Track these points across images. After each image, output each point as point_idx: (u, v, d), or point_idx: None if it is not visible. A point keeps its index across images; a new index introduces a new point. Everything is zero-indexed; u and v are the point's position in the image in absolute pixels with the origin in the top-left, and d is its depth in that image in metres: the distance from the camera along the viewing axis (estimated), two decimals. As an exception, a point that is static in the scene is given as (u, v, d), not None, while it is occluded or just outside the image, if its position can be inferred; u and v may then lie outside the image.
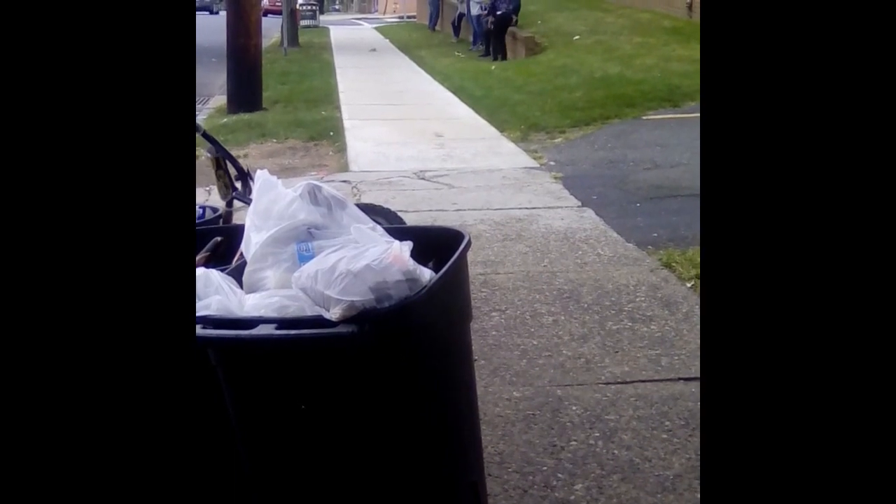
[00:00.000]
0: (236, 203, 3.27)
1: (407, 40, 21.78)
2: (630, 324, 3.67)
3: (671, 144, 7.63)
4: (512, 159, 7.45)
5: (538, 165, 7.15)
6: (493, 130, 8.89)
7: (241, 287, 1.89)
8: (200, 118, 9.79)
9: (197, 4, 25.42)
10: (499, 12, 16.02)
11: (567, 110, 9.47)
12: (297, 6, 23.06)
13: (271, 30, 20.93)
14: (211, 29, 12.64)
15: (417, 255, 1.72)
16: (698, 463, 2.52)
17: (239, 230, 2.04)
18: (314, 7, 30.57)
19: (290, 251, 1.85)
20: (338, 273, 1.63)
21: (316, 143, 8.39)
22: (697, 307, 3.76)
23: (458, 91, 11.81)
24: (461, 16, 20.09)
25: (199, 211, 3.06)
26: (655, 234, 5.03)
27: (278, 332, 1.63)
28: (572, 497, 2.44)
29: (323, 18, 35.31)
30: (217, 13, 9.98)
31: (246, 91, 10.37)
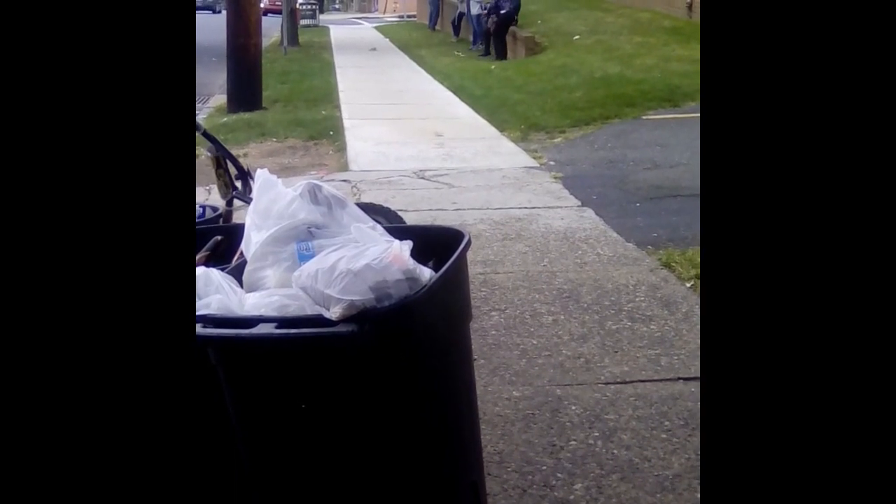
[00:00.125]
0: (236, 202, 3.27)
1: (407, 40, 21.78)
2: (629, 323, 3.67)
3: (671, 144, 7.63)
4: (512, 159, 7.45)
5: (538, 165, 7.15)
6: (492, 130, 8.89)
7: (242, 286, 1.89)
8: (200, 117, 9.78)
9: (199, 3, 25.49)
10: (502, 11, 16.01)
11: (567, 110, 9.47)
12: (297, 5, 23.04)
13: (271, 29, 20.93)
14: (211, 28, 12.65)
15: (417, 255, 1.72)
16: (698, 463, 2.53)
17: (239, 229, 2.04)
18: (314, 6, 30.56)
19: (290, 250, 1.85)
20: (338, 272, 1.63)
21: (316, 143, 8.39)
22: (697, 307, 3.76)
23: (458, 90, 11.81)
24: (461, 15, 20.08)
25: (199, 210, 3.06)
26: (655, 234, 5.03)
27: (278, 331, 1.63)
28: (572, 496, 2.44)
29: (323, 18, 35.29)
30: (219, 12, 9.99)
31: (246, 90, 10.37)
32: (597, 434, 2.77)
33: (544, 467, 2.59)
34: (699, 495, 2.24)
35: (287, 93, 11.78)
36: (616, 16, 16.70)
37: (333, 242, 1.80)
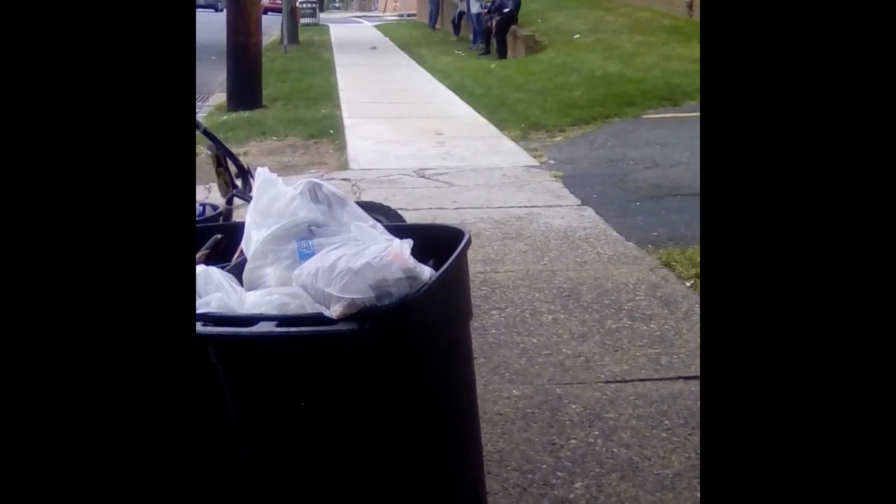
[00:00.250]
0: (236, 200, 3.27)
1: (407, 38, 21.78)
2: (629, 322, 3.67)
3: (671, 143, 7.63)
4: (512, 158, 7.45)
5: (538, 164, 7.15)
6: (493, 129, 8.89)
7: (242, 284, 1.89)
8: (200, 116, 9.78)
9: (202, 1, 25.46)
10: (506, 10, 16.00)
11: (567, 109, 9.47)
12: (298, 4, 23.04)
13: (271, 27, 20.92)
14: (211, 26, 12.64)
15: (417, 254, 1.72)
16: (698, 461, 2.53)
17: (239, 228, 2.04)
18: (314, 5, 30.54)
19: (290, 249, 1.85)
20: (338, 271, 1.63)
21: (316, 141, 8.39)
22: (697, 306, 3.76)
23: (458, 89, 11.81)
24: (461, 14, 20.08)
25: (199, 208, 3.06)
26: (655, 233, 5.03)
27: (278, 329, 1.63)
28: (571, 495, 2.44)
29: (323, 16, 35.27)
30: (221, 10, 10.03)
31: (246, 89, 10.37)
32: (597, 433, 2.77)
33: (544, 466, 2.59)
34: (699, 494, 2.25)
35: (287, 91, 11.78)
36: (616, 14, 16.70)
37: (333, 241, 1.80)
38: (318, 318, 1.63)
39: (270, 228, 1.88)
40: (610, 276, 4.27)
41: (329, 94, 11.66)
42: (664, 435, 2.75)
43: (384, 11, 45.16)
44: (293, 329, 1.63)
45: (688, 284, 4.10)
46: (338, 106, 10.54)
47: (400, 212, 3.43)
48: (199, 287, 1.77)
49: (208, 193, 4.77)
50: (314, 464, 1.78)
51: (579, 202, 5.82)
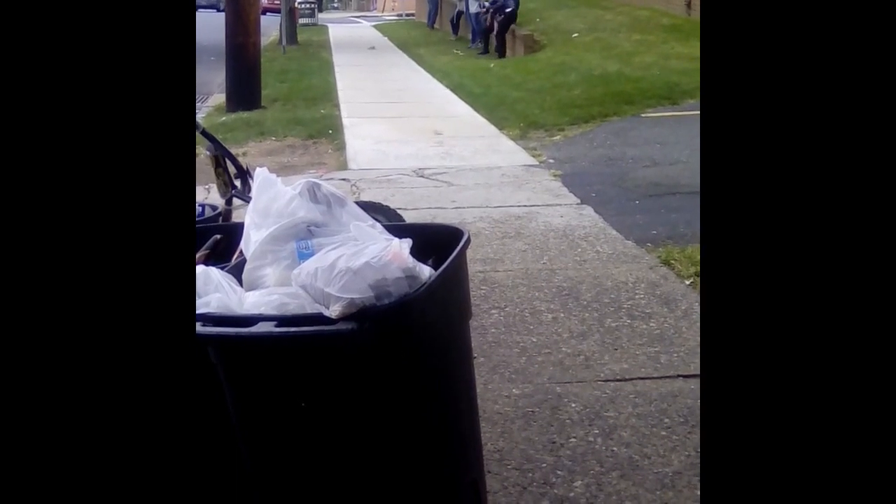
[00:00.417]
0: (236, 201, 3.28)
1: (406, 38, 21.77)
2: (629, 321, 3.67)
3: (670, 142, 7.63)
4: (511, 157, 7.45)
5: (537, 163, 7.15)
6: (492, 128, 8.89)
7: (241, 285, 1.89)
8: (199, 116, 9.76)
9: (204, 2, 25.43)
10: (507, 10, 15.99)
11: (566, 108, 9.47)
12: (296, 4, 23.02)
13: (270, 28, 20.91)
14: (211, 27, 12.62)
15: (417, 253, 1.72)
16: (698, 460, 2.53)
17: (238, 228, 2.04)
18: (313, 5, 30.54)
19: (289, 249, 1.85)
20: (337, 270, 1.63)
21: (315, 141, 8.39)
22: (696, 304, 3.76)
23: (457, 89, 11.81)
24: (460, 14, 20.08)
25: (198, 209, 3.05)
26: (654, 232, 5.03)
27: (278, 329, 1.63)
28: (571, 494, 2.45)
29: (321, 16, 35.26)
30: (223, 10, 10.05)
31: (245, 89, 10.37)
32: (597, 431, 2.77)
33: (544, 465, 2.59)
34: (699, 492, 2.25)
35: (286, 91, 11.77)
36: (615, 13, 16.70)
37: (333, 241, 1.80)
38: (318, 318, 1.63)
39: (269, 229, 1.88)
40: (609, 275, 4.27)
41: (328, 95, 11.66)
42: (664, 433, 2.75)
43: (383, 11, 45.16)
44: (293, 329, 1.63)
45: (687, 283, 4.10)
46: (337, 106, 10.54)
47: (399, 211, 3.44)
48: (198, 287, 1.77)
49: (207, 194, 4.75)
50: (314, 464, 1.78)
51: (578, 201, 5.82)
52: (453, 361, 1.89)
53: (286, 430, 1.75)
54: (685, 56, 11.64)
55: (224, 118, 9.77)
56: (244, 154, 7.37)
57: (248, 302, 1.79)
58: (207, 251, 2.26)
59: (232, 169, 3.30)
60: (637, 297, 3.96)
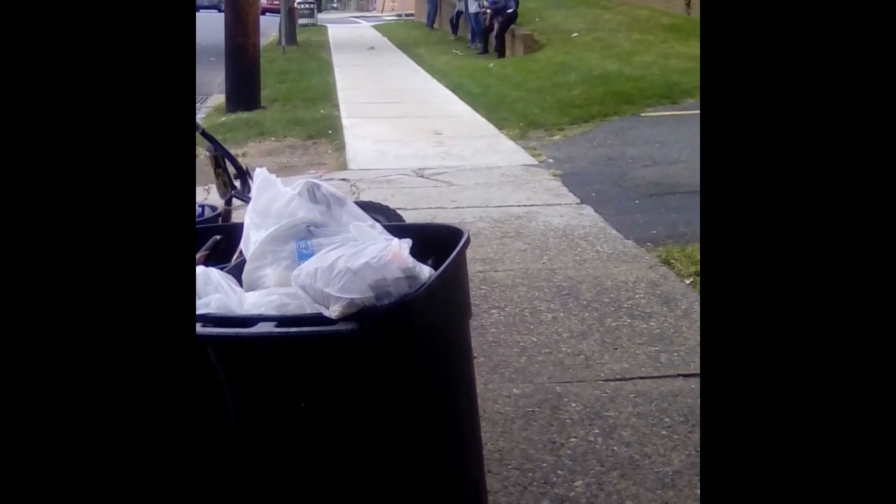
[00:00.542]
0: (235, 201, 3.28)
1: (405, 38, 21.77)
2: (629, 320, 3.67)
3: (670, 141, 7.63)
4: (510, 157, 7.45)
5: (537, 163, 7.15)
6: (491, 128, 8.89)
7: (241, 285, 1.89)
8: (199, 117, 9.78)
9: (206, 2, 25.43)
10: (509, 10, 15.97)
11: (565, 107, 9.47)
12: (295, 5, 23.02)
13: (269, 28, 20.92)
14: (211, 27, 12.62)
15: (417, 253, 1.72)
16: (698, 459, 2.53)
17: (238, 228, 2.04)
18: (312, 5, 30.54)
19: (289, 249, 1.85)
20: (337, 271, 1.63)
21: (315, 142, 8.39)
22: (696, 303, 3.76)
23: (457, 89, 11.81)
24: (459, 13, 20.08)
25: (198, 209, 3.06)
26: (654, 231, 5.03)
27: (278, 329, 1.63)
28: (572, 493, 2.45)
29: (321, 17, 35.27)
30: (224, 11, 10.08)
31: (244, 90, 10.37)
32: (597, 431, 2.77)
33: (545, 464, 2.59)
34: (699, 492, 2.25)
35: (285, 92, 11.77)
36: (614, 13, 16.70)
37: (332, 241, 1.80)
38: (318, 319, 1.63)
39: (269, 229, 1.88)
40: (609, 275, 4.27)
41: (327, 95, 11.66)
42: (664, 433, 2.75)
43: (382, 11, 45.17)
44: (293, 329, 1.63)
45: (687, 282, 4.10)
46: (336, 106, 10.54)
47: (399, 211, 3.44)
48: (198, 288, 1.77)
49: (207, 194, 4.77)
50: (315, 464, 1.78)
51: (578, 200, 5.82)
52: (453, 361, 1.89)
53: (286, 430, 1.75)
54: (685, 55, 11.65)
55: (223, 118, 9.77)
56: (244, 154, 7.37)
57: (248, 302, 1.79)
58: (207, 252, 2.26)
59: (231, 169, 3.30)
60: (637, 296, 3.96)
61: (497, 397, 3.01)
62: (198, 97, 11.22)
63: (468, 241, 1.88)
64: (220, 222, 3.03)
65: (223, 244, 2.29)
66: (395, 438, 1.74)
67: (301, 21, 25.13)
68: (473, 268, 4.22)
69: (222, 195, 3.30)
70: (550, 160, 7.23)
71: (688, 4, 15.24)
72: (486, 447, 2.49)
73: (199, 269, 1.84)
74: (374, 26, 29.25)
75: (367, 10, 52.22)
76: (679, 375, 3.15)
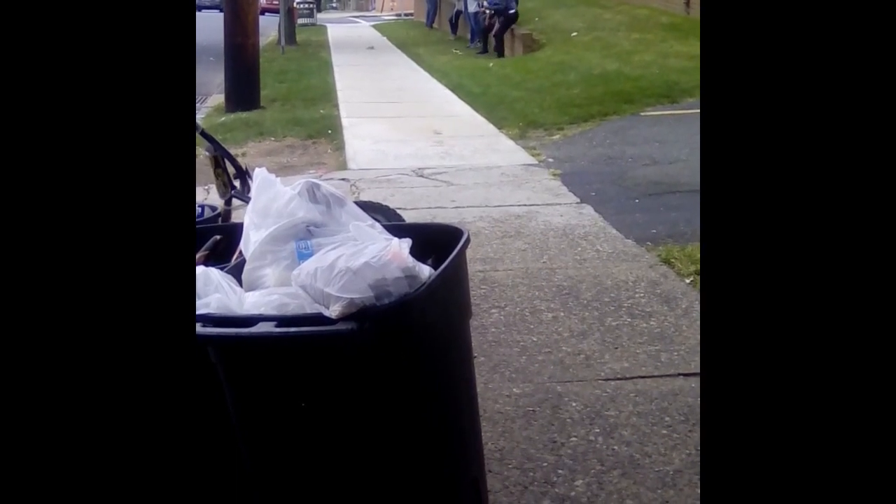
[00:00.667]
0: (235, 201, 3.28)
1: (404, 38, 21.76)
2: (629, 320, 3.67)
3: (669, 140, 7.63)
4: (510, 156, 7.45)
5: (536, 162, 7.15)
6: (491, 128, 8.89)
7: (241, 285, 1.89)
8: (199, 117, 9.78)
9: (208, 2, 25.41)
10: (511, 11, 15.95)
11: (565, 107, 9.47)
12: (295, 4, 23.00)
13: (269, 28, 20.91)
14: (211, 28, 12.62)
15: (417, 253, 1.72)
16: (698, 458, 2.53)
17: (238, 228, 2.04)
18: (311, 5, 30.52)
19: (289, 249, 1.85)
20: (337, 270, 1.63)
21: (314, 142, 8.39)
22: (696, 303, 3.76)
23: (457, 88, 11.80)
24: (458, 13, 20.07)
25: (198, 209, 3.06)
26: (654, 231, 5.03)
27: (278, 329, 1.63)
28: (573, 493, 2.45)
29: (320, 17, 35.23)
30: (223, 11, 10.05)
31: (244, 90, 10.37)
32: (597, 430, 2.77)
33: (545, 464, 2.59)
34: (699, 491, 2.25)
35: (285, 92, 11.77)
36: (614, 12, 16.69)
37: (332, 241, 1.80)
38: (318, 318, 1.62)
39: (269, 229, 1.88)
40: (609, 274, 4.27)
41: (327, 95, 11.66)
42: (665, 432, 2.75)
43: (381, 11, 45.15)
44: (292, 329, 1.63)
45: (687, 281, 4.10)
46: (336, 106, 10.54)
47: (399, 211, 3.44)
48: (198, 288, 1.77)
49: (207, 194, 4.77)
50: (315, 464, 1.78)
51: (578, 200, 5.82)
52: (453, 361, 1.89)
53: (286, 430, 1.75)
54: (684, 54, 11.64)
55: (223, 118, 9.77)
56: (243, 154, 7.37)
57: (248, 302, 1.79)
58: (207, 252, 2.26)
59: (231, 169, 3.30)
60: (637, 295, 3.96)
61: (497, 397, 3.01)
62: (197, 97, 11.22)
63: (468, 240, 1.88)
64: (219, 222, 3.03)
65: (223, 244, 2.29)
66: (396, 438, 1.74)
67: (300, 21, 25.10)
68: (473, 267, 4.22)
69: (222, 195, 3.30)
70: (550, 160, 7.23)
71: (687, 4, 15.24)
72: (486, 447, 2.49)
73: (199, 269, 1.84)
74: (374, 26, 29.23)
75: (367, 10, 52.22)
76: (679, 374, 3.15)
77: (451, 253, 1.80)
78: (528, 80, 11.70)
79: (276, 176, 1.98)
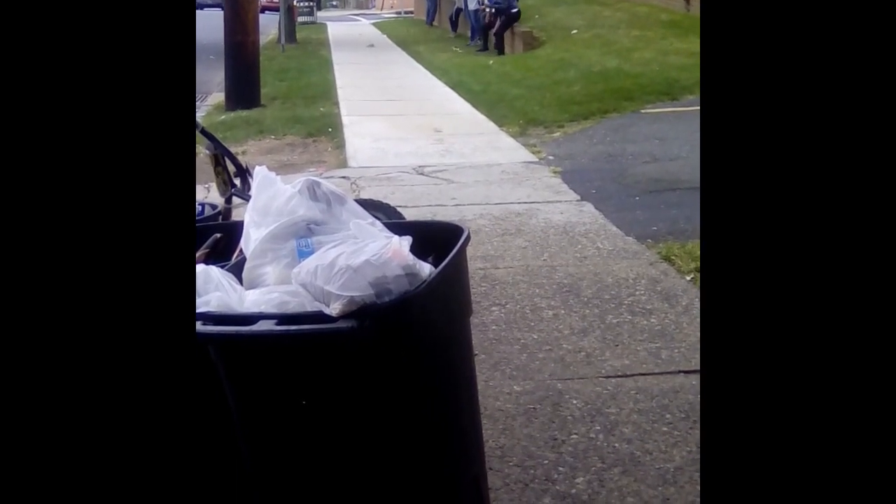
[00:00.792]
0: (235, 200, 3.28)
1: (404, 36, 21.76)
2: (630, 317, 3.67)
3: (669, 138, 7.63)
4: (511, 154, 7.45)
5: (537, 160, 7.15)
6: (491, 125, 8.89)
7: (241, 283, 1.89)
8: (199, 115, 9.76)
9: (208, 1, 25.38)
10: (513, 10, 15.93)
11: (565, 104, 9.47)
12: (295, 2, 22.99)
13: (269, 26, 20.91)
14: (211, 26, 12.61)
15: (417, 250, 1.72)
16: (699, 456, 2.53)
17: (238, 227, 2.04)
18: (311, 3, 30.51)
19: (289, 247, 1.85)
20: (337, 268, 1.63)
21: (314, 140, 8.39)
22: (697, 300, 3.76)
23: (457, 86, 11.80)
24: (458, 11, 20.06)
25: (198, 208, 3.06)
26: (655, 228, 5.03)
27: (278, 327, 1.63)
28: (573, 490, 2.45)
29: (320, 15, 35.21)
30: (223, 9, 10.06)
31: (244, 88, 10.37)
32: (598, 428, 2.77)
33: (546, 461, 2.59)
34: (700, 488, 2.25)
35: (285, 90, 11.77)
36: (614, 10, 16.68)
37: (333, 239, 1.80)
38: (318, 316, 1.62)
39: (269, 227, 1.88)
40: (610, 271, 4.27)
41: (327, 93, 11.66)
42: (665, 429, 2.75)
43: (381, 9, 45.13)
44: (293, 327, 1.63)
45: (688, 278, 4.10)
46: (336, 104, 10.54)
47: (399, 209, 3.44)
48: (198, 286, 1.77)
49: (207, 193, 4.77)
50: (315, 462, 1.78)
51: (578, 197, 5.82)
52: (454, 359, 1.89)
53: (287, 428, 1.75)
54: (684, 52, 11.64)
55: (223, 117, 9.77)
56: (243, 152, 7.37)
57: (249, 300, 1.79)
58: (207, 250, 2.26)
59: (231, 168, 3.30)
60: (638, 293, 3.96)
61: (498, 394, 3.01)
62: (198, 95, 11.21)
63: (468, 238, 1.88)
64: (220, 220, 3.03)
65: (223, 242, 2.29)
66: (396, 436, 1.74)
67: (300, 19, 25.09)
68: (474, 265, 4.22)
69: (222, 193, 3.30)
70: (550, 157, 7.23)
71: (687, 1, 15.23)
72: (487, 444, 2.49)
73: (200, 267, 1.84)
74: (374, 24, 29.22)
75: (367, 8, 52.20)
76: (680, 372, 3.15)
77: (451, 251, 1.80)
78: (529, 78, 11.70)
79: (277, 174, 1.98)
